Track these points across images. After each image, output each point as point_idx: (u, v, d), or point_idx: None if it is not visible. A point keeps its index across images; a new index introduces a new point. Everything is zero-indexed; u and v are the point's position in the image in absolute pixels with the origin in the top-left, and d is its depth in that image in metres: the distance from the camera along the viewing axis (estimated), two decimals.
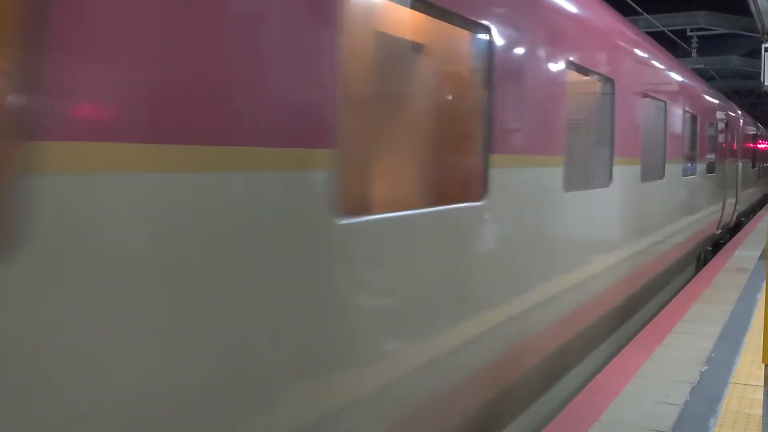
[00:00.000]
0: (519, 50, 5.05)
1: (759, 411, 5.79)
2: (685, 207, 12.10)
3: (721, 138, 16.85)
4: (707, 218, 14.54)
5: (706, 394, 6.22)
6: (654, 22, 19.89)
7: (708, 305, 9.77)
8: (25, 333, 2.00)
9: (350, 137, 3.23)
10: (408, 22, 4.69)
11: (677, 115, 11.16)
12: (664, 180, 10.11)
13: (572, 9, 6.21)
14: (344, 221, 3.14)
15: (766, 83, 13.12)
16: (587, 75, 6.79)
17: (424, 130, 4.82)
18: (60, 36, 2.07)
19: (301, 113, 2.92)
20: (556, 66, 5.70)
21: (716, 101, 16.43)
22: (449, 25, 4.39)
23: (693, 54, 24.22)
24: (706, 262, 15.19)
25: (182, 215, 2.42)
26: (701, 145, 13.60)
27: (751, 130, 25.28)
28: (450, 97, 5.02)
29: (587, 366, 7.20)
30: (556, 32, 5.75)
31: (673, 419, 5.63)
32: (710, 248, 16.34)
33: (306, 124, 2.95)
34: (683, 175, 11.94)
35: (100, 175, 2.15)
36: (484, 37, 4.53)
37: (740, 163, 20.81)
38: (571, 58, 5.95)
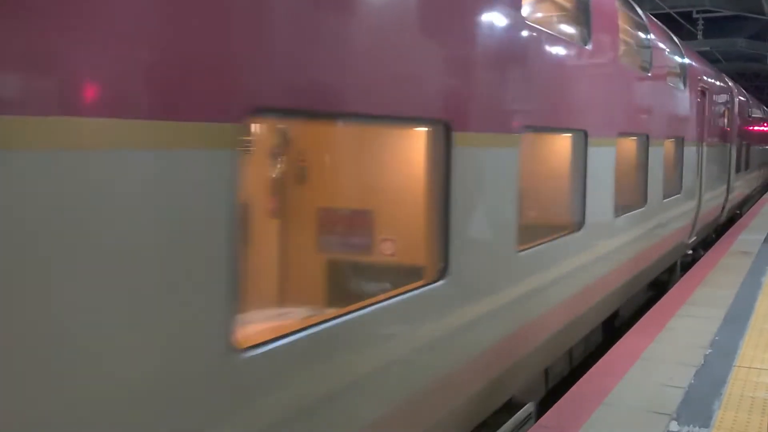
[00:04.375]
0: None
1: (763, 394, 5.81)
2: None
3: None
4: None
5: (711, 377, 6.23)
6: (660, 3, 19.75)
7: (712, 289, 9.77)
8: None
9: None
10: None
11: None
12: None
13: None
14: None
15: None
16: None
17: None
18: None
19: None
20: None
21: None
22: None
23: (698, 36, 24.06)
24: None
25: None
26: None
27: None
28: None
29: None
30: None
31: (677, 402, 5.64)
32: None
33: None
34: None
35: None
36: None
37: None
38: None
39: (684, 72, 11.57)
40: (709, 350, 7.01)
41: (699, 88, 12.80)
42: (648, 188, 9.10)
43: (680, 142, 11.28)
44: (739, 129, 19.42)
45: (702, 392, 5.86)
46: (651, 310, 8.72)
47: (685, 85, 11.45)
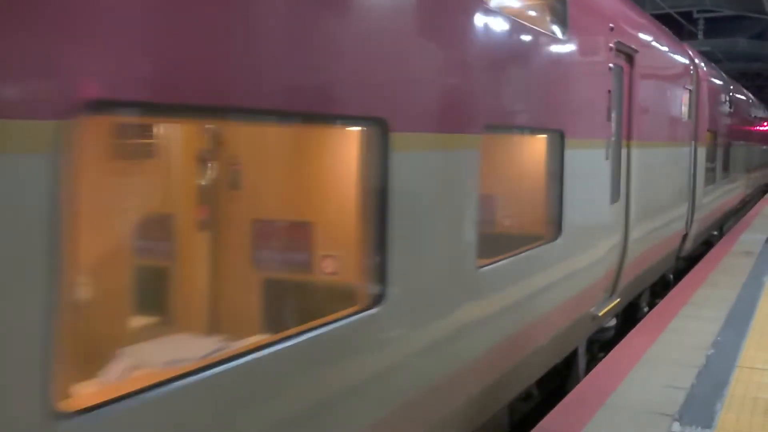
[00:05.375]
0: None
1: (766, 395, 5.81)
2: None
3: None
4: None
5: (713, 377, 6.24)
6: (660, 3, 19.75)
7: (714, 289, 9.78)
8: None
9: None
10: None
11: None
12: None
13: None
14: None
15: None
16: None
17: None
18: None
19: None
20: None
21: None
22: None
23: (699, 36, 24.06)
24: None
25: None
26: None
27: None
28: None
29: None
30: None
31: (680, 403, 5.65)
32: None
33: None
34: None
35: None
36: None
37: None
38: None
39: (562, 7, 6.08)
40: (711, 351, 7.01)
41: (610, 47, 7.07)
42: (395, 263, 3.68)
43: (556, 142, 5.93)
44: (712, 122, 13.89)
45: (704, 393, 5.87)
46: (653, 311, 8.73)
47: (565, 31, 6.00)
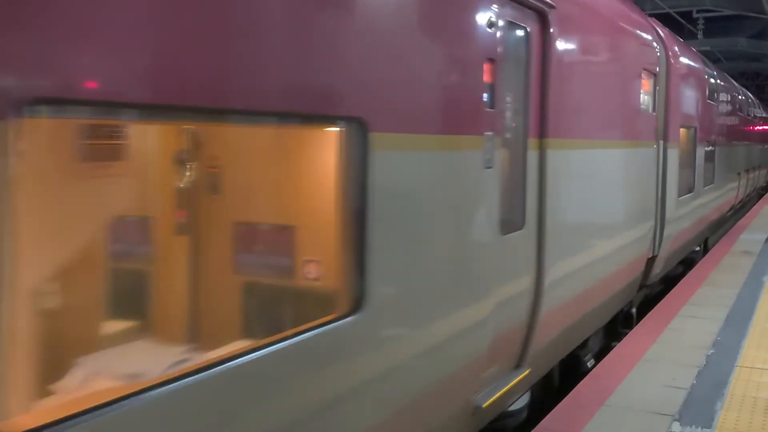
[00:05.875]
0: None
1: (766, 394, 5.81)
2: None
3: None
4: None
5: (713, 377, 6.23)
6: (660, 3, 19.75)
7: (714, 289, 9.77)
8: None
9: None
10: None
11: None
12: None
13: None
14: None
15: None
16: None
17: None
18: None
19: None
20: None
21: None
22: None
23: (699, 36, 24.07)
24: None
25: None
26: None
27: None
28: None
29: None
30: None
31: (680, 403, 5.64)
32: None
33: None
34: None
35: None
36: None
37: None
38: None
39: None
40: (711, 351, 7.00)
41: None
42: None
43: (348, 140, 3.30)
44: (688, 117, 11.02)
45: (704, 393, 5.87)
46: (653, 310, 8.72)
47: None
